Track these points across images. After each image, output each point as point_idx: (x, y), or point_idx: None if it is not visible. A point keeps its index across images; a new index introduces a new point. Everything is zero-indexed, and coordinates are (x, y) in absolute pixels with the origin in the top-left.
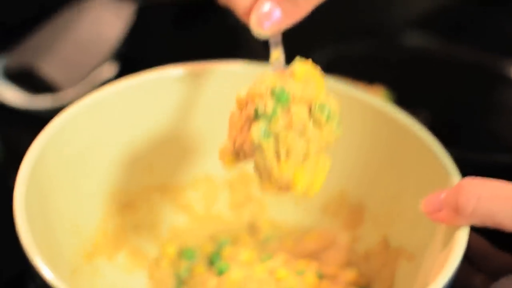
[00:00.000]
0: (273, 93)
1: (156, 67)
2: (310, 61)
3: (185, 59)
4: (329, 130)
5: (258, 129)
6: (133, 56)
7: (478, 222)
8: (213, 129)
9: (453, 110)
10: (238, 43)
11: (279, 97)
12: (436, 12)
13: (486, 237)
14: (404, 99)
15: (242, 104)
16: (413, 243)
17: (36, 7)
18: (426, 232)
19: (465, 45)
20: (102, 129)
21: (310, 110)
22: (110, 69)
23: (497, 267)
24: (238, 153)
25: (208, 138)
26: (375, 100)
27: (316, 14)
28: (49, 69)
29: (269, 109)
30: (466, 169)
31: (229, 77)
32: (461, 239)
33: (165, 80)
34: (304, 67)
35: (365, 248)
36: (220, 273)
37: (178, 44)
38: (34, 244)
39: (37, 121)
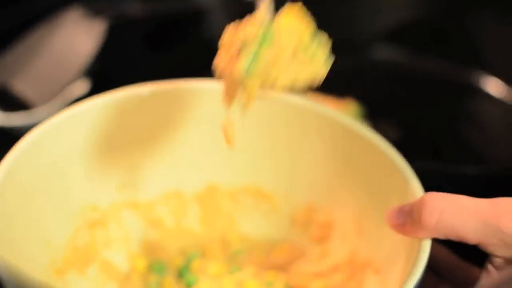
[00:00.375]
0: (261, 28)
1: (128, 85)
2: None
3: (157, 75)
4: (316, 64)
5: (244, 62)
6: (106, 73)
7: (441, 235)
8: (183, 145)
9: (423, 122)
10: (211, 59)
11: (266, 32)
12: (405, 25)
13: (452, 248)
14: (374, 112)
15: (228, 43)
16: (379, 256)
17: (8, 25)
18: (392, 245)
19: (434, 58)
20: (72, 146)
21: (297, 45)
22: (82, 86)
23: (463, 278)
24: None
25: (178, 154)
26: (342, 117)
27: None
28: (22, 86)
29: (256, 44)
30: (434, 181)
31: (200, 95)
32: (423, 251)
33: (135, 98)
34: (292, 9)
35: (333, 261)
36: (189, 286)
37: (151, 60)
38: (2, 260)
39: (10, 138)
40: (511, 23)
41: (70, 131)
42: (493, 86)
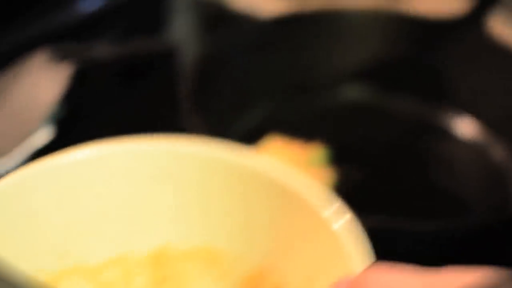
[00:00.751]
0: None
1: (94, 131)
2: None
3: (127, 120)
4: None
5: None
6: (72, 119)
7: None
8: (131, 206)
9: (392, 166)
10: (178, 106)
11: None
12: (374, 64)
13: None
14: (342, 156)
15: None
16: None
17: None
18: None
19: (404, 97)
20: (15, 213)
21: None
22: (46, 134)
23: None
24: None
25: (126, 216)
26: (288, 176)
27: (253, 71)
28: None
29: None
30: (397, 239)
31: (150, 155)
32: None
33: (83, 160)
34: None
35: None
36: None
37: (121, 103)
38: None
39: None
40: (482, 61)
41: (16, 196)
42: (465, 126)
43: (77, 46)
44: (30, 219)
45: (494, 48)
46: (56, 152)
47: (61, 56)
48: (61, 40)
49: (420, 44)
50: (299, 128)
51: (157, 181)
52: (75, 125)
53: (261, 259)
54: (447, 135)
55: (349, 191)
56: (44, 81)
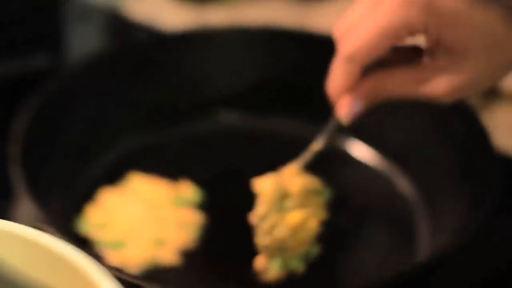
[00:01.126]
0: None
1: None
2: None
3: None
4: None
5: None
6: None
7: None
8: None
9: None
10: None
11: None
12: (254, 88)
13: None
14: (216, 194)
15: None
16: None
17: None
18: None
19: (289, 121)
20: None
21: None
22: None
23: None
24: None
25: None
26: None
27: (119, 98)
28: None
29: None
30: None
31: None
32: None
33: None
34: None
35: None
36: None
37: None
38: None
39: None
40: None
41: None
42: (357, 149)
43: None
44: None
45: None
46: None
47: None
48: None
49: (313, 63)
50: (168, 164)
51: None
52: None
53: None
54: (346, 163)
55: (219, 242)
56: None
